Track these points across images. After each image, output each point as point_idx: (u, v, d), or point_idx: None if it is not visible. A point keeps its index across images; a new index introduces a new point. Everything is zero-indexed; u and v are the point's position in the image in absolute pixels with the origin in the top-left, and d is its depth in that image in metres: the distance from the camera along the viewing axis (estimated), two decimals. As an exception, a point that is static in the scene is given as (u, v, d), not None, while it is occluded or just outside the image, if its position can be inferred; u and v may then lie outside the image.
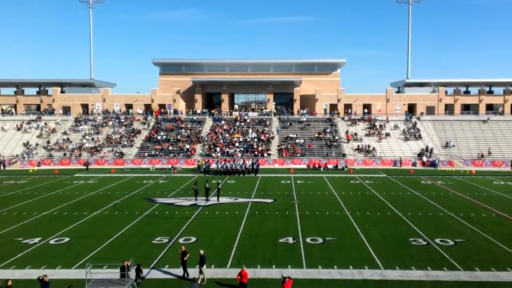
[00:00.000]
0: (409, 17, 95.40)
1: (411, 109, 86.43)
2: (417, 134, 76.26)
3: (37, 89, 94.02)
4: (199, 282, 19.43)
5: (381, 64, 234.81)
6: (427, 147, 71.73)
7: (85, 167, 65.63)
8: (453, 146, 73.67)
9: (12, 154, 72.46)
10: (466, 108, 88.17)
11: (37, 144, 75.54)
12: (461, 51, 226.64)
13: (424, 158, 68.56)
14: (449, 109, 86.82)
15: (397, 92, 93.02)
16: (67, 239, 27.53)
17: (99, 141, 75.65)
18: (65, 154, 71.87)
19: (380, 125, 79.12)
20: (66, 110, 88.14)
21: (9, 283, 17.73)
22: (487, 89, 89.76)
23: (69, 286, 17.47)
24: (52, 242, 27.06)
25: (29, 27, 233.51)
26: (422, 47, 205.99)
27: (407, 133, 76.69)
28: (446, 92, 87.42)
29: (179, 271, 21.43)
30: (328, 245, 25.97)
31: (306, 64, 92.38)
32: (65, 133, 79.31)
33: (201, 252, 20.83)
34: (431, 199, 40.61)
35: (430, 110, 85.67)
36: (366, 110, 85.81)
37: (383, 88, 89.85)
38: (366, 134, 77.01)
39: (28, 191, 45.93)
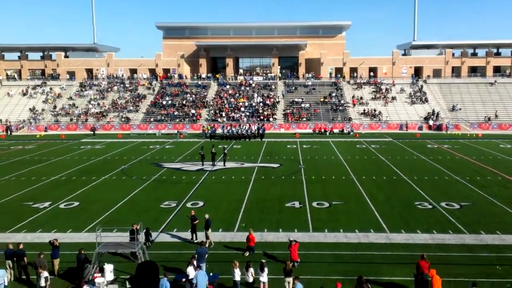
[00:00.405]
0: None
1: (418, 72, 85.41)
2: (424, 98, 75.68)
3: (41, 53, 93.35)
4: (207, 245, 19.76)
5: (387, 26, 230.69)
6: (433, 110, 71.31)
7: (91, 132, 65.90)
8: (460, 109, 73.18)
9: (19, 119, 72.75)
10: (473, 70, 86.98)
11: (43, 109, 75.66)
12: (469, 13, 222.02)
13: (431, 122, 68.26)
14: (456, 71, 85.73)
15: (404, 54, 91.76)
16: (76, 204, 27.94)
17: (105, 106, 75.64)
18: (71, 119, 72.06)
19: (386, 89, 78.47)
20: (71, 75, 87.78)
21: (21, 246, 18.10)
22: (495, 51, 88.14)
23: (80, 249, 17.86)
24: (62, 206, 27.49)
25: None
26: (429, 9, 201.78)
27: (413, 97, 76.10)
28: (453, 55, 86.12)
29: (187, 235, 21.79)
30: (334, 209, 26.24)
31: (311, 27, 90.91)
32: (70, 98, 79.24)
33: (206, 216, 21.10)
34: (437, 163, 40.66)
35: (437, 73, 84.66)
36: (372, 74, 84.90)
37: (389, 51, 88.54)
38: (372, 98, 76.48)
39: (36, 156, 46.32)
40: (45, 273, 16.01)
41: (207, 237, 20.67)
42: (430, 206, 26.59)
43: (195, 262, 16.80)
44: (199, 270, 16.16)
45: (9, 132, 66.57)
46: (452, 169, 37.43)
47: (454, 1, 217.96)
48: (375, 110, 71.82)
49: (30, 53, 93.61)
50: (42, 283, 15.84)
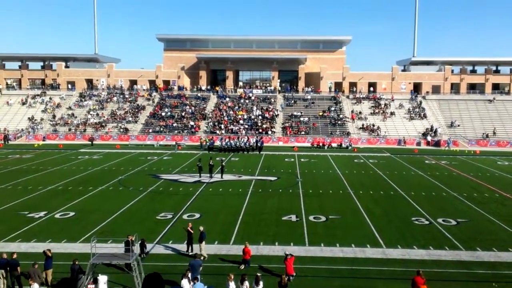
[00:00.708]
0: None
1: (417, 88, 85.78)
2: (422, 114, 75.91)
3: (42, 63, 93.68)
4: (202, 258, 19.66)
5: (387, 42, 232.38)
6: (431, 126, 71.47)
7: (90, 142, 65.83)
8: (458, 125, 73.37)
9: (17, 128, 72.76)
10: (472, 87, 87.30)
11: (42, 119, 75.73)
12: (468, 30, 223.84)
13: (429, 138, 68.38)
14: (455, 88, 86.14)
15: (403, 70, 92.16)
16: (72, 214, 27.81)
17: (104, 117, 75.72)
18: (70, 129, 72.07)
19: (385, 104, 78.75)
20: (71, 85, 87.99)
21: (14, 256, 17.97)
22: (494, 68, 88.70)
23: (74, 259, 17.73)
24: (57, 216, 27.34)
25: (33, 1, 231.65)
26: (429, 25, 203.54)
27: (412, 112, 76.34)
28: (452, 71, 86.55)
29: (182, 247, 21.66)
30: (331, 223, 26.14)
31: (311, 41, 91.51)
32: (70, 108, 79.35)
33: (201, 228, 20.98)
34: (435, 178, 40.65)
35: (436, 89, 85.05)
36: (371, 89, 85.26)
37: (388, 67, 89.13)
38: (371, 113, 76.71)
39: (34, 165, 46.23)
40: (36, 285, 15.79)
41: (200, 250, 20.55)
42: (427, 222, 26.52)
43: (189, 275, 16.70)
44: (197, 282, 16.04)
45: (6, 141, 66.46)
46: (449, 185, 37.41)
47: (454, 18, 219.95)
48: (373, 125, 71.99)
49: (31, 62, 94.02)
50: (32, 294, 15.62)
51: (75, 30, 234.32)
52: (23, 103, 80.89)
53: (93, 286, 15.93)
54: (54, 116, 75.86)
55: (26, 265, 17.75)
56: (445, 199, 32.83)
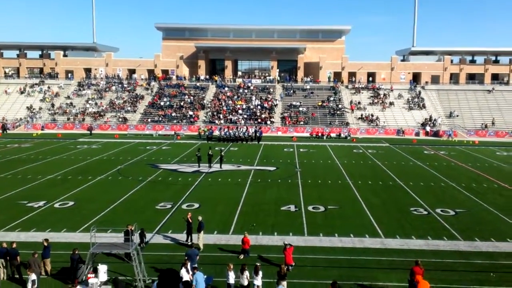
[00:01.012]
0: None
1: (416, 78, 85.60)
2: (421, 104, 75.82)
3: (40, 52, 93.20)
4: (201, 249, 19.76)
5: (386, 31, 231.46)
6: (430, 116, 71.43)
7: (88, 131, 65.72)
8: (457, 116, 73.34)
9: (16, 117, 72.56)
10: (471, 77, 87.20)
11: (40, 108, 75.50)
12: (468, 20, 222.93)
13: (428, 128, 68.38)
14: (454, 78, 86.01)
15: (402, 60, 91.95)
16: (71, 203, 27.85)
17: (102, 106, 75.53)
18: (68, 119, 71.92)
19: (384, 94, 78.61)
20: (69, 74, 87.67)
21: (14, 245, 18.00)
22: (493, 58, 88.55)
23: (73, 249, 17.79)
24: (56, 205, 27.39)
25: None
26: (429, 15, 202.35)
27: (411, 102, 76.25)
28: (451, 61, 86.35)
29: (182, 236, 21.73)
30: (330, 213, 26.23)
31: (311, 31, 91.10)
32: (68, 97, 79.09)
33: (199, 218, 21.03)
34: (433, 169, 40.72)
35: (435, 79, 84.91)
36: (370, 79, 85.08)
37: (388, 56, 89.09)
38: (370, 103, 76.60)
39: (32, 154, 46.19)
40: (33, 276, 15.76)
41: (198, 239, 20.62)
42: (425, 212, 26.62)
43: (189, 264, 16.77)
44: (196, 271, 16.10)
45: (4, 131, 66.27)
46: (448, 176, 37.49)
47: (454, 8, 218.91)
48: (372, 115, 71.90)
49: (29, 51, 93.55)
50: (29, 286, 15.62)
51: (74, 19, 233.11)
52: (22, 92, 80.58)
53: (93, 275, 15.97)
54: (52, 105, 75.65)
55: (26, 254, 17.81)
56: (443, 189, 32.92)
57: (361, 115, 72.48)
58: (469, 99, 78.23)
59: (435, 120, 70.60)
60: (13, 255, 17.60)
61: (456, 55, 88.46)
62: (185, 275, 16.25)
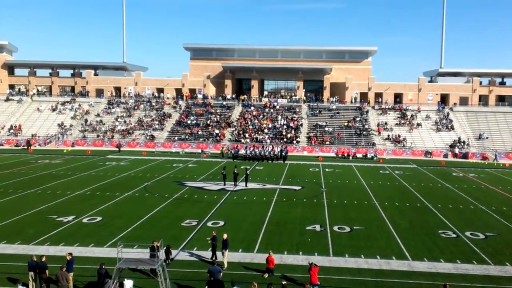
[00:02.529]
0: (444, 3, 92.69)
1: (444, 99, 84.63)
2: (450, 125, 74.77)
3: (72, 71, 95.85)
4: (225, 266, 19.79)
5: (413, 52, 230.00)
6: (459, 138, 70.31)
7: (117, 149, 66.89)
8: (487, 138, 72.00)
9: (47, 134, 74.40)
10: (501, 99, 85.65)
11: (71, 125, 77.31)
12: (497, 41, 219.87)
13: (456, 150, 67.25)
14: (483, 100, 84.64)
15: (430, 81, 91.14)
16: (99, 218, 28.28)
17: (131, 124, 76.90)
18: (98, 136, 73.39)
19: (412, 115, 77.86)
20: (99, 93, 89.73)
21: (43, 259, 18.33)
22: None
23: (101, 263, 18.03)
24: (85, 220, 27.84)
25: (64, 10, 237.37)
26: (457, 36, 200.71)
27: (439, 124, 75.27)
28: (480, 83, 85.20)
29: (207, 254, 21.80)
30: (356, 234, 25.94)
31: (337, 52, 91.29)
32: (98, 115, 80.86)
33: (224, 236, 21.07)
34: (462, 191, 39.95)
35: (464, 101, 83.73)
36: (397, 100, 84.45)
37: (415, 77, 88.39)
38: (397, 124, 75.94)
39: (62, 170, 47.18)
40: None
41: (222, 257, 20.62)
42: (454, 235, 26.07)
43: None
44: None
45: (29, 147, 67.44)
46: (477, 198, 36.72)
47: (482, 29, 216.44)
48: (399, 136, 71.20)
49: (61, 70, 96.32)
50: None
51: (105, 39, 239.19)
52: (53, 110, 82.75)
53: (119, 290, 16.15)
54: (86, 121, 77.39)
55: (55, 268, 18.12)
56: (473, 212, 32.24)
57: (388, 135, 71.84)
58: (498, 121, 76.80)
59: (463, 142, 69.42)
60: (42, 269, 17.91)
61: (485, 77, 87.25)
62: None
